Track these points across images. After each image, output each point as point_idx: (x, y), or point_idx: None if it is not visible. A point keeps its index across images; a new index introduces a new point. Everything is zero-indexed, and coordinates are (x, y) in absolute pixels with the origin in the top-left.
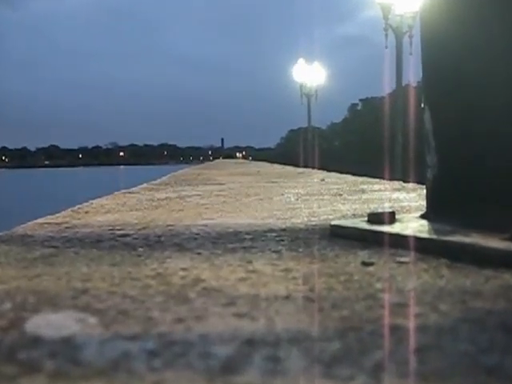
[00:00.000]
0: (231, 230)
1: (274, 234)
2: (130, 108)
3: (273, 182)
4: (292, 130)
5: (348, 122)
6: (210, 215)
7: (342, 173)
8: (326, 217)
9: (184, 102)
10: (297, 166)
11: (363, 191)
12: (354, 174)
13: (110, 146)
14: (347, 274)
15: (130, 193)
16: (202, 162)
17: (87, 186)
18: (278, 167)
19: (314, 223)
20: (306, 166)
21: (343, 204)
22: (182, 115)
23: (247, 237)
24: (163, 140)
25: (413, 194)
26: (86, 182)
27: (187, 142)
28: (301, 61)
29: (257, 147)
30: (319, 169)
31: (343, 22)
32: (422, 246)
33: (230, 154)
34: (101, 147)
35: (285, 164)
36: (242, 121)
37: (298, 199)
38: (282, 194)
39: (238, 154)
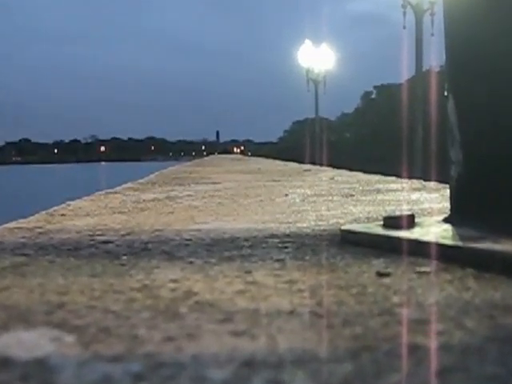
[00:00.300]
0: (228, 235)
1: (276, 241)
2: (113, 97)
3: (275, 181)
4: (297, 122)
5: (361, 112)
6: (203, 219)
7: (353, 170)
8: (335, 221)
9: (175, 90)
10: (302, 162)
11: (378, 191)
12: (367, 172)
13: (89, 140)
14: (360, 286)
15: (112, 193)
16: (195, 157)
17: (64, 186)
18: (280, 164)
19: (322, 228)
20: (312, 163)
21: (355, 206)
22: (172, 105)
23: (246, 243)
24: (150, 133)
25: (435, 195)
26: (62, 180)
27: (178, 136)
28: (307, 43)
29: (257, 141)
30: (328, 166)
31: None
32: (446, 254)
33: (226, 148)
34: (79, 141)
35: (288, 160)
36: (240, 112)
37: (303, 200)
38: (286, 195)
39: (235, 149)
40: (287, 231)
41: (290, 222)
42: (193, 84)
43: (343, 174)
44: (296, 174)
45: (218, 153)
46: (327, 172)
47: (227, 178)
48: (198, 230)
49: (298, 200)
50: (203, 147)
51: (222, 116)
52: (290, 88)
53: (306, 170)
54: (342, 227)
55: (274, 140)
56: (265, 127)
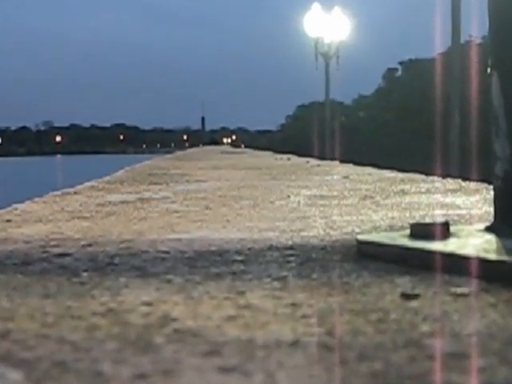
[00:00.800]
0: (215, 247)
1: (276, 254)
2: (73, 75)
3: (275, 180)
4: (302, 106)
5: (383, 93)
6: (184, 227)
7: (374, 166)
8: (350, 229)
9: (150, 67)
10: (309, 156)
11: (404, 193)
12: (390, 168)
13: (42, 128)
14: (381, 311)
15: (70, 194)
16: (175, 150)
17: (9, 184)
18: (281, 158)
19: (333, 238)
20: (322, 158)
21: (375, 211)
22: (147, 86)
23: (238, 257)
24: (119, 119)
25: (475, 198)
26: (6, 177)
27: (153, 123)
28: (316, 7)
29: (252, 129)
30: (342, 161)
31: None
32: (489, 272)
33: (213, 138)
34: (29, 129)
35: (292, 153)
36: (231, 94)
37: (310, 204)
38: (288, 197)
39: (225, 140)
40: (289, 242)
41: (294, 231)
42: (172, 60)
43: (360, 171)
44: (301, 170)
45: (204, 144)
46: (340, 168)
47: (215, 175)
48: (178, 241)
49: (303, 203)
50: (185, 137)
51: (208, 99)
52: (293, 64)
53: (313, 167)
54: (359, 237)
55: (274, 128)
56: (262, 113)
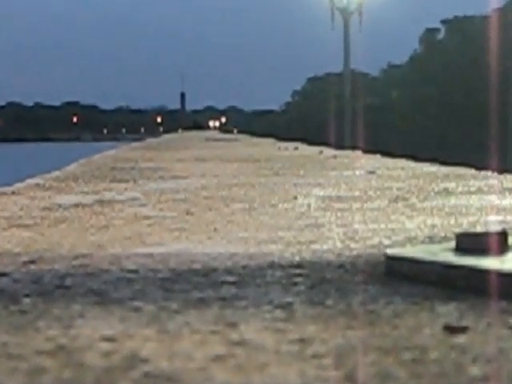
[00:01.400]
0: (198, 265)
1: (279, 274)
2: (10, 40)
3: (278, 176)
4: (314, 79)
5: (420, 63)
6: (158, 237)
7: (409, 158)
8: (377, 241)
9: (112, 28)
10: (323, 144)
11: (448, 192)
12: (431, 161)
13: None
14: (417, 349)
15: (6, 194)
16: (145, 136)
17: None
18: (287, 148)
19: (354, 253)
20: (340, 146)
21: (410, 217)
22: (108, 53)
23: (229, 278)
24: (72, 97)
25: None
26: None
27: (117, 101)
28: None
29: (247, 109)
30: (366, 151)
31: None
32: None
33: (197, 121)
34: None
35: (300, 141)
36: (220, 63)
37: (324, 208)
38: (295, 198)
39: (212, 123)
40: (297, 258)
41: (302, 243)
42: (141, 20)
43: (391, 165)
44: (312, 163)
45: (185, 128)
46: (364, 160)
47: (198, 170)
48: (150, 256)
49: (314, 207)
50: (159, 119)
51: (190, 70)
52: (302, 24)
53: (328, 158)
54: (389, 252)
55: (276, 108)
56: (261, 88)
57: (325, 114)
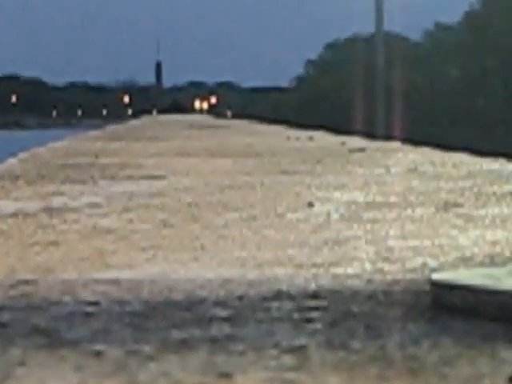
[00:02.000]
0: (180, 295)
1: (287, 306)
2: None
3: (287, 176)
4: (334, 46)
5: (478, 23)
6: (126, 258)
7: (464, 151)
8: (419, 262)
9: None
10: (347, 133)
11: None
12: (493, 156)
13: None
14: None
15: None
16: (108, 121)
17: None
18: (299, 137)
19: (389, 278)
20: (370, 135)
21: (464, 230)
22: (56, 15)
23: (221, 313)
24: (8, 69)
25: None
26: None
27: (69, 75)
28: None
29: (247, 87)
30: (404, 141)
31: None
32: None
33: (178, 102)
34: None
35: (317, 128)
36: (207, 25)
37: (349, 218)
38: (310, 205)
39: (198, 104)
40: (312, 285)
41: (319, 265)
42: None
43: (439, 160)
44: (332, 158)
45: (161, 111)
46: (402, 154)
47: (180, 166)
48: (115, 283)
49: (336, 216)
50: (126, 99)
51: (168, 34)
52: None
53: (353, 151)
54: (435, 277)
55: (284, 84)
56: (263, 58)
57: (349, 93)
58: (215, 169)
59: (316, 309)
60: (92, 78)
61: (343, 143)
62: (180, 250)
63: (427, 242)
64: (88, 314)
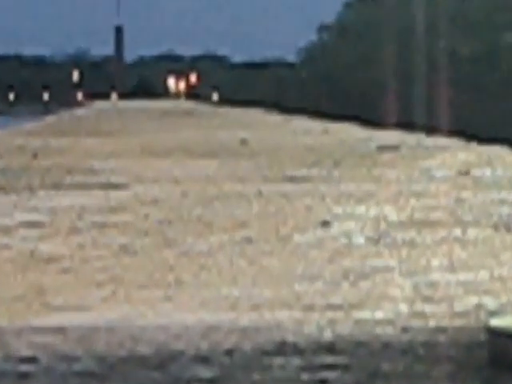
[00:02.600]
0: (148, 347)
1: (294, 363)
2: None
3: (291, 182)
4: (355, 5)
5: None
6: (73, 296)
7: None
8: (472, 302)
9: None
10: (374, 124)
11: None
12: None
13: None
14: None
15: None
16: (50, 108)
17: None
18: (310, 130)
19: (431, 325)
20: (405, 126)
21: None
22: None
23: (203, 373)
24: None
25: None
26: None
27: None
28: None
29: (238, 60)
30: (453, 134)
31: None
32: None
33: (146, 81)
34: None
35: (333, 118)
36: None
37: (376, 241)
38: (326, 224)
39: (172, 83)
40: (327, 335)
41: (337, 307)
42: None
43: (499, 160)
44: (355, 158)
45: (122, 94)
46: (450, 153)
47: (148, 170)
48: (59, 332)
49: (359, 239)
50: (75, 76)
51: None
52: None
53: (383, 148)
54: (493, 323)
55: (289, 57)
56: (261, 22)
57: (376, 67)
58: (195, 174)
59: (332, 367)
60: (29, 50)
61: (369, 137)
62: (148, 285)
63: (483, 275)
64: (22, 375)
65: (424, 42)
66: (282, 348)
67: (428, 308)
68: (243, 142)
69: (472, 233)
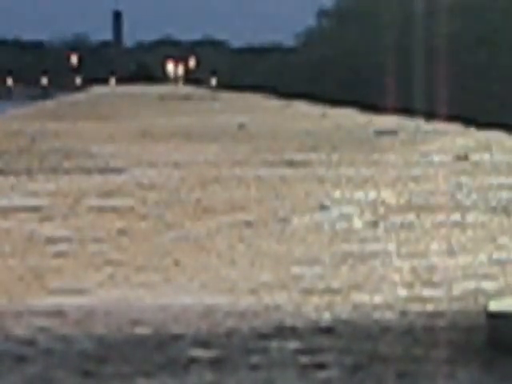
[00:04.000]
0: (147, 328)
1: (292, 346)
2: None
3: (292, 166)
4: None
5: None
6: (74, 278)
7: None
8: (471, 286)
9: None
10: (373, 108)
11: None
12: None
13: None
14: None
15: None
16: (49, 92)
17: None
18: (308, 114)
19: (430, 308)
20: (404, 112)
21: None
22: None
23: (202, 354)
24: None
25: None
26: None
27: None
28: None
29: (237, 45)
30: (451, 119)
31: None
32: None
33: (144, 65)
34: None
35: (331, 102)
36: None
37: (375, 224)
38: (323, 208)
39: (171, 68)
40: (325, 316)
41: (335, 290)
42: None
43: (497, 145)
44: (353, 142)
45: (121, 79)
46: (449, 137)
47: (146, 154)
48: (58, 314)
49: (358, 222)
50: (74, 60)
51: None
52: None
53: (382, 133)
54: (492, 306)
55: (288, 42)
56: (258, 6)
57: (376, 52)
58: (194, 157)
59: (330, 350)
60: (27, 35)
61: (368, 122)
62: (146, 268)
63: (482, 258)
64: (21, 358)
65: (423, 28)
66: (280, 331)
67: (426, 292)
68: (241, 126)
69: (470, 217)
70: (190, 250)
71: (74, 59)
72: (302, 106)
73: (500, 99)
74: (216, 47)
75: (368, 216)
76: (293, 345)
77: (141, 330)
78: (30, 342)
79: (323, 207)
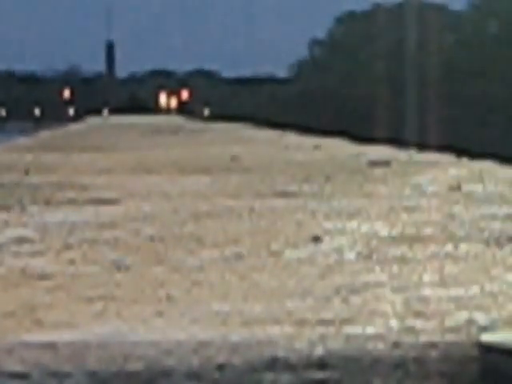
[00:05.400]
0: (139, 363)
1: (286, 380)
2: None
3: (284, 198)
4: (348, 18)
5: None
6: (65, 313)
7: None
8: (463, 317)
9: None
10: (366, 140)
11: None
12: None
13: None
14: None
15: None
16: (42, 124)
17: None
18: (301, 145)
19: (422, 340)
20: (397, 143)
21: None
22: None
23: None
24: None
25: None
26: None
27: None
28: None
29: (229, 76)
30: (444, 150)
31: None
32: None
33: (137, 97)
34: None
35: (324, 134)
36: None
37: (367, 256)
38: (316, 239)
39: (163, 100)
40: (318, 351)
41: (328, 323)
42: None
43: (490, 175)
44: (347, 174)
45: (113, 110)
46: (441, 168)
47: (139, 186)
48: (50, 348)
49: (350, 255)
50: (67, 94)
51: (122, 4)
52: None
53: (375, 164)
54: (485, 338)
55: (281, 73)
56: (252, 37)
57: (369, 83)
58: (187, 190)
59: (323, 383)
60: (20, 66)
61: (360, 153)
62: (139, 301)
63: (474, 290)
64: None
65: (415, 57)
66: (273, 364)
67: (419, 324)
68: (233, 158)
69: (463, 248)
70: (183, 282)
71: (67, 93)
72: (294, 137)
73: (492, 129)
74: (209, 78)
75: (361, 248)
76: (286, 378)
77: (133, 364)
78: (23, 377)
79: (315, 239)
